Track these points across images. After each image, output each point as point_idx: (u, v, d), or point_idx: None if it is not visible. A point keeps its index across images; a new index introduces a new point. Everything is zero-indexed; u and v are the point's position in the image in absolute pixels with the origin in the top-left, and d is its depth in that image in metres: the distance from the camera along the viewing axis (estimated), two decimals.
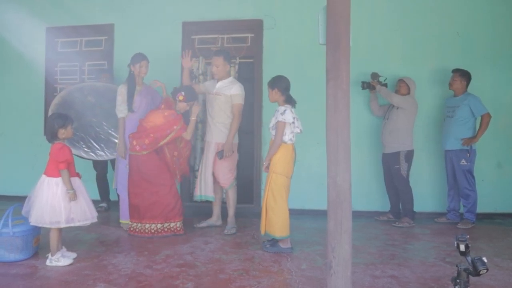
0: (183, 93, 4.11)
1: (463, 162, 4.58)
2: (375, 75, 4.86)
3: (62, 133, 3.29)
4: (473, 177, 4.61)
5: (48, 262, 3.21)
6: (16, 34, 5.65)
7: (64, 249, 3.35)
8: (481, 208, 4.70)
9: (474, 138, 4.54)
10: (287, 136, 3.59)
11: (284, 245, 3.61)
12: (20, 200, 3.45)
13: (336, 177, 2.33)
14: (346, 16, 2.37)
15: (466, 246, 2.08)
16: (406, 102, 4.64)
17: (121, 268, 3.15)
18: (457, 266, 2.13)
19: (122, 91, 4.22)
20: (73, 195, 3.21)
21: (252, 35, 5.31)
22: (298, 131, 3.65)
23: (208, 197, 4.34)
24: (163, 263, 3.28)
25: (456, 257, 3.38)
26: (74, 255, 3.36)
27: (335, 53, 2.35)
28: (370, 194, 5.08)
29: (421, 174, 4.94)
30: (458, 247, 2.10)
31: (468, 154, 4.57)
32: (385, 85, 4.84)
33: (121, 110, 4.21)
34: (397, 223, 4.62)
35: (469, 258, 2.08)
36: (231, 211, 4.32)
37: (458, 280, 2.11)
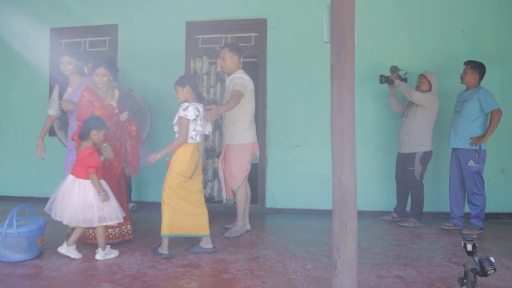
0: (89, 64, 3.89)
1: (471, 163, 4.25)
2: (394, 69, 4.64)
3: (94, 134, 3.37)
4: (483, 180, 4.29)
5: (99, 257, 3.36)
6: (20, 35, 5.68)
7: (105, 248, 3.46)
8: (487, 208, 4.63)
9: (483, 137, 4.20)
10: (189, 134, 3.44)
11: (205, 245, 3.53)
12: (25, 200, 3.47)
13: (341, 177, 2.32)
14: (351, 14, 2.36)
15: (473, 246, 2.05)
16: (426, 100, 4.45)
17: (125, 268, 3.15)
18: (464, 266, 2.10)
19: (54, 90, 4.09)
20: (105, 197, 3.33)
21: (256, 34, 5.30)
22: (201, 129, 3.48)
23: (222, 200, 4.27)
24: (168, 263, 3.28)
25: (463, 257, 3.35)
26: (116, 253, 3.49)
27: (339, 52, 2.34)
28: (375, 194, 5.05)
29: (426, 174, 4.91)
30: (465, 246, 2.07)
31: (476, 155, 4.22)
32: (405, 79, 4.67)
33: (53, 107, 4.07)
34: (403, 222, 4.57)
35: (476, 258, 2.05)
36: (238, 215, 4.15)
37: (465, 280, 2.08)
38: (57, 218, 3.33)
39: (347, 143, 2.33)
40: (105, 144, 3.58)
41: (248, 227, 4.25)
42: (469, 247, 2.06)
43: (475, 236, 2.09)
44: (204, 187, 5.37)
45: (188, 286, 2.83)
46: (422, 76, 4.59)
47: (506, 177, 4.96)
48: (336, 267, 2.30)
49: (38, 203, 4.07)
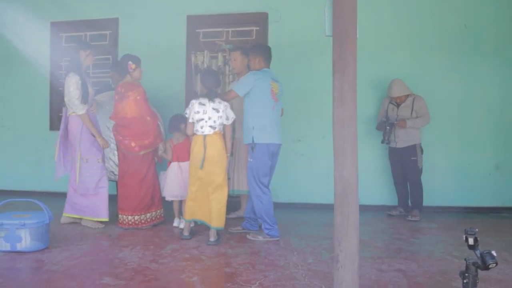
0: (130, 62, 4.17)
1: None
2: (396, 122, 4.68)
3: (183, 126, 4.06)
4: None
5: (176, 224, 4.16)
6: (20, 29, 5.66)
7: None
8: (488, 202, 4.67)
9: None
10: (195, 128, 3.75)
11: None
12: (25, 195, 3.44)
13: (343, 171, 2.31)
14: (353, 7, 2.33)
15: (475, 240, 2.06)
16: (427, 113, 4.63)
17: (127, 262, 3.16)
18: (465, 260, 2.10)
19: (78, 83, 3.93)
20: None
21: (257, 28, 5.28)
22: (191, 120, 3.74)
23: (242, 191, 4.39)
24: (169, 257, 3.28)
25: (463, 251, 3.35)
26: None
27: (341, 45, 2.32)
28: (377, 188, 5.06)
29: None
30: (466, 240, 2.07)
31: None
32: (404, 121, 4.64)
33: (82, 107, 3.95)
34: (410, 217, 4.59)
35: (478, 252, 2.05)
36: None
37: (466, 274, 2.08)
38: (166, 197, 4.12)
39: (349, 137, 2.32)
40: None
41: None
42: (471, 241, 2.07)
43: (477, 229, 2.09)
44: None
45: (189, 280, 2.84)
46: (406, 96, 4.69)
47: (501, 173, 4.96)
48: (338, 261, 2.30)
49: (37, 197, 3.93)
